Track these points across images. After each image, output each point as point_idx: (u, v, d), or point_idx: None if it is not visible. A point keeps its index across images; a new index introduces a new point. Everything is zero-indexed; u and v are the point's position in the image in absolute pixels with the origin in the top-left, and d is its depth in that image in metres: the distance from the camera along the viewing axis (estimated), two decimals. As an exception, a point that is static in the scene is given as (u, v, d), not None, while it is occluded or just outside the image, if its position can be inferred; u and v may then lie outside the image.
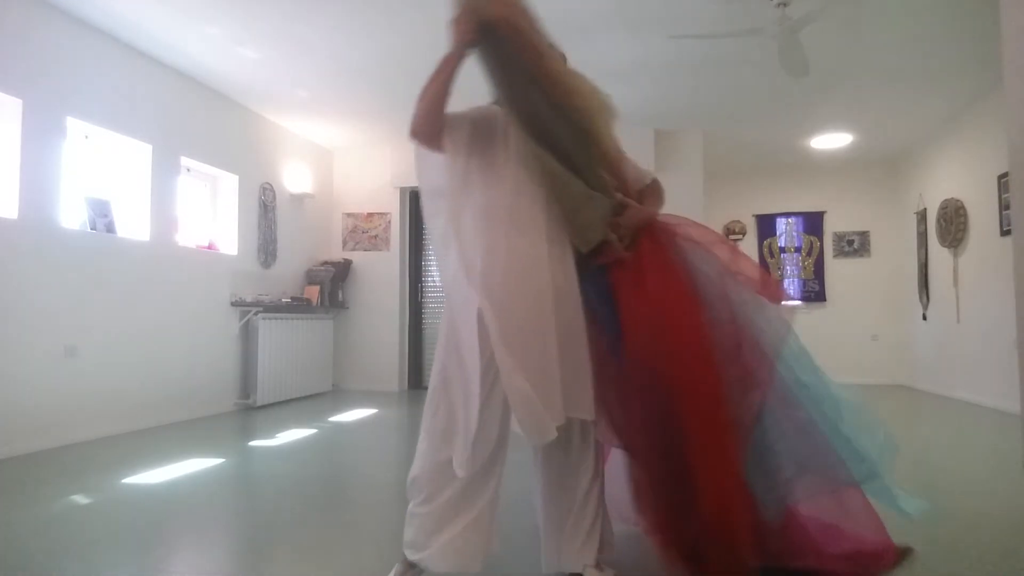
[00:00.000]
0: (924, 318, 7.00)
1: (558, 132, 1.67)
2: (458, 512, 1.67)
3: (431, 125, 1.71)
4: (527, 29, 1.64)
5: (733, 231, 8.42)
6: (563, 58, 1.95)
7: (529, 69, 1.63)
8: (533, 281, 1.66)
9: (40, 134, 3.91)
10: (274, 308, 5.93)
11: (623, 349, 1.73)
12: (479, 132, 1.76)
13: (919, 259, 7.03)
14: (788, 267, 8.27)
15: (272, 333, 5.79)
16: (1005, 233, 5.24)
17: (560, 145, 1.68)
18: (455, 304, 1.71)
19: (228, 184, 5.78)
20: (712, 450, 1.63)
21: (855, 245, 8.07)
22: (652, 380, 1.68)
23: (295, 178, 6.58)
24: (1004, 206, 5.28)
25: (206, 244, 5.53)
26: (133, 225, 4.69)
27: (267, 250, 6.14)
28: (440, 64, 1.68)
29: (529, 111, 1.67)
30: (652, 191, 2.00)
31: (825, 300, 8.10)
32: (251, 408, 5.56)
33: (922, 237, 6.97)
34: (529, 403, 1.57)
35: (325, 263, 6.87)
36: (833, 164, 7.85)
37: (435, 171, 1.78)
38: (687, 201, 6.59)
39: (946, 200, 6.38)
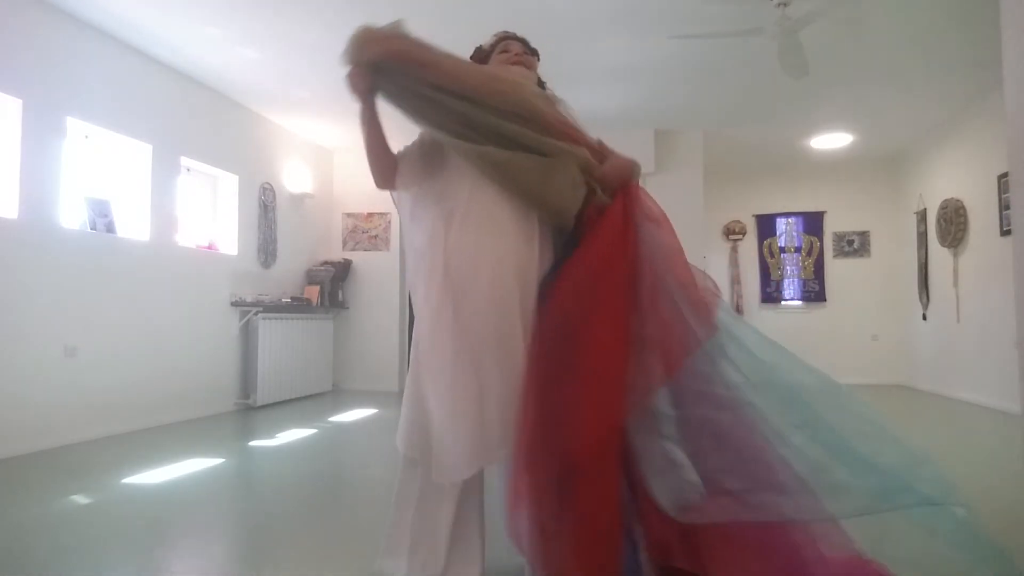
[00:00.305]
0: (924, 318, 7.00)
1: (493, 123, 1.64)
2: (459, 528, 1.67)
3: (385, 173, 1.81)
4: (412, 49, 1.65)
5: (733, 231, 8.42)
6: (534, 54, 1.92)
7: (434, 82, 1.63)
8: (498, 282, 1.65)
9: (40, 134, 3.91)
10: (274, 308, 5.93)
11: (549, 300, 1.66)
12: (433, 150, 1.78)
13: (919, 259, 7.03)
14: (788, 267, 8.27)
15: (272, 333, 5.79)
16: (1005, 233, 5.24)
17: (502, 133, 1.65)
18: (423, 329, 1.71)
19: (228, 184, 5.78)
20: (593, 399, 1.53)
21: (855, 245, 8.07)
22: (558, 326, 1.60)
23: (295, 178, 6.58)
24: (1004, 206, 5.28)
25: (206, 244, 5.53)
26: (133, 225, 4.69)
27: (267, 250, 6.14)
28: (360, 123, 1.77)
29: (458, 119, 1.65)
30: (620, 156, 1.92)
31: (825, 300, 8.10)
32: (251, 408, 5.55)
33: (922, 237, 6.97)
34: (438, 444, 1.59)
35: (325, 263, 6.87)
36: (833, 164, 7.85)
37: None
38: (687, 201, 6.60)
39: (946, 200, 6.38)
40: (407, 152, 1.82)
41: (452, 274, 1.64)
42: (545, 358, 1.58)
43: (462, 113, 1.64)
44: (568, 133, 1.73)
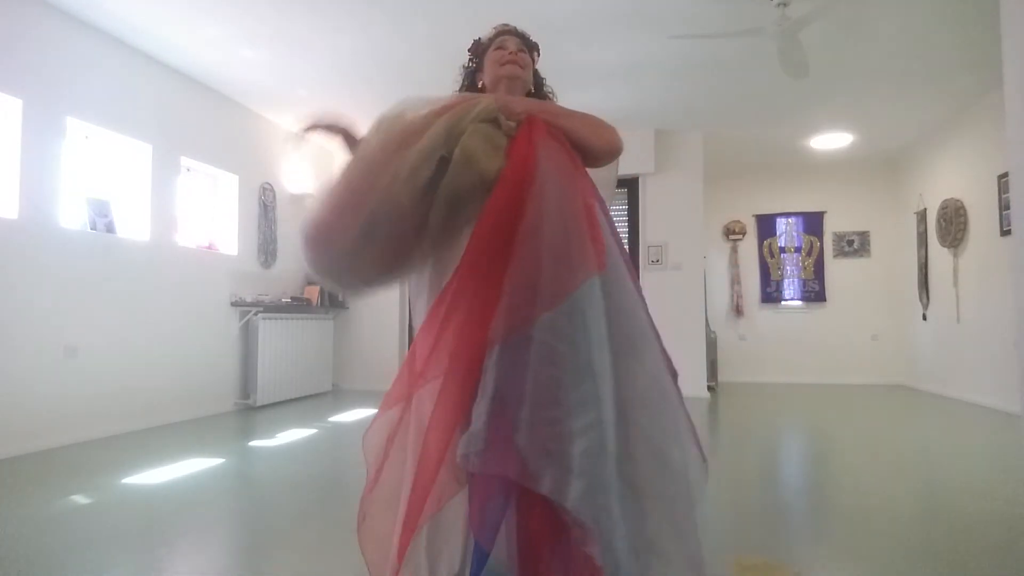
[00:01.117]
0: (924, 318, 7.00)
1: (404, 166, 1.54)
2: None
3: None
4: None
5: (733, 231, 8.43)
6: (534, 48, 1.89)
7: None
8: None
9: (40, 134, 3.91)
10: (274, 308, 5.93)
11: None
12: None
13: (919, 259, 7.03)
14: (788, 267, 8.27)
15: (272, 333, 5.79)
16: (1005, 233, 5.24)
17: (423, 167, 1.54)
18: None
19: (228, 184, 5.78)
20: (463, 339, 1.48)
21: (855, 245, 8.07)
22: (476, 260, 1.53)
23: (295, 178, 6.58)
24: (1004, 206, 5.28)
25: (206, 244, 5.53)
26: (133, 225, 4.69)
27: (267, 250, 6.14)
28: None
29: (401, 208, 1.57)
30: None
31: (825, 300, 8.10)
32: (251, 408, 5.56)
33: (922, 237, 6.97)
34: None
35: (325, 263, 6.86)
36: (833, 164, 7.84)
37: None
38: (687, 201, 6.62)
39: (946, 200, 6.38)
40: None
41: None
42: (455, 293, 1.52)
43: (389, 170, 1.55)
44: (449, 107, 1.61)
